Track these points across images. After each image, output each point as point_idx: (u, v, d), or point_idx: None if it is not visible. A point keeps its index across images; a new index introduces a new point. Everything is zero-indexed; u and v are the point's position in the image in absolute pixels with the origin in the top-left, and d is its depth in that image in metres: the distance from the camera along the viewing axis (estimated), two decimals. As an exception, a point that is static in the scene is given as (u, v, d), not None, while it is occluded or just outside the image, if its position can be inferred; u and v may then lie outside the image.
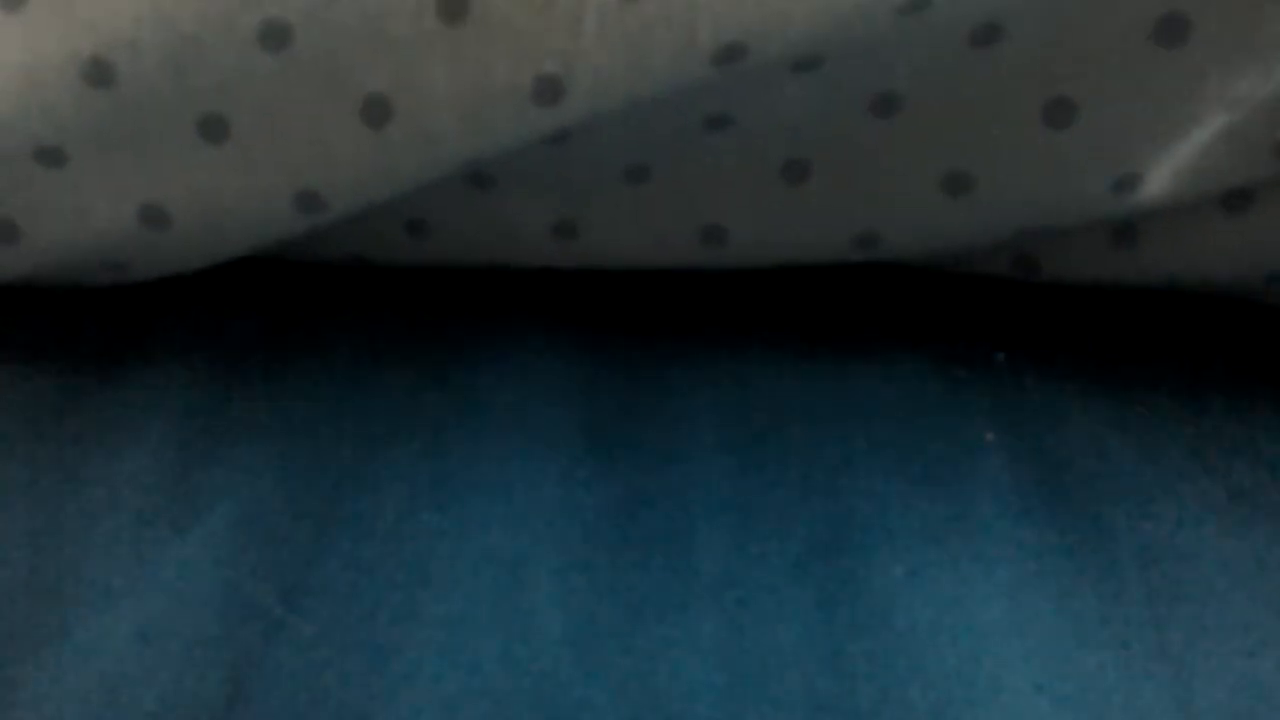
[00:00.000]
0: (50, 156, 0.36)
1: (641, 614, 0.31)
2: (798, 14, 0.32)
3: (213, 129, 0.35)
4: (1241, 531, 0.33)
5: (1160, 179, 0.36)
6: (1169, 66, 0.34)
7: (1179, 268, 0.38)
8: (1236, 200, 0.37)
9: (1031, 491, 0.34)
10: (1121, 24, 0.34)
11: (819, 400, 0.37)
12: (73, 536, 0.33)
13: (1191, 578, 0.32)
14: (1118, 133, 0.35)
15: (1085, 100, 0.35)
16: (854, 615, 0.31)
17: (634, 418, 0.37)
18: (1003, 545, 0.33)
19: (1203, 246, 0.38)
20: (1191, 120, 0.35)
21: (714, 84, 0.34)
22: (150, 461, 0.35)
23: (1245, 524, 0.33)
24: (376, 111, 0.34)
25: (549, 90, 0.33)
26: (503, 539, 0.33)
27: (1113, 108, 0.35)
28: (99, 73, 0.34)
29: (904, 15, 0.33)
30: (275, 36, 0.33)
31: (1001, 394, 0.37)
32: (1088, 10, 0.34)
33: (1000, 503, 0.34)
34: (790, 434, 0.36)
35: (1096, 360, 0.39)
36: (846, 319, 0.40)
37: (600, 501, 0.34)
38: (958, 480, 0.34)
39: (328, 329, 0.40)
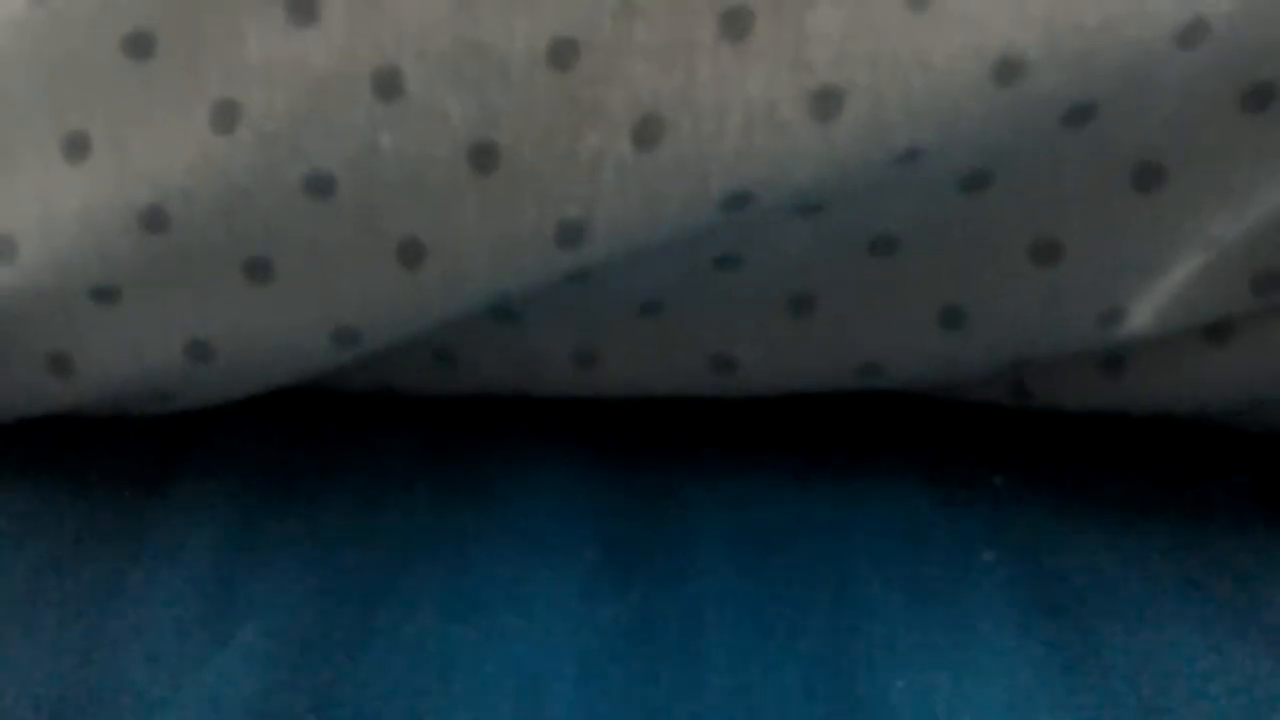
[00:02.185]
0: (105, 295, 0.38)
1: (656, 725, 0.32)
2: (801, 164, 0.34)
3: (258, 270, 0.37)
4: (1229, 646, 0.33)
5: (1143, 313, 0.37)
6: (1147, 210, 0.36)
7: (1166, 395, 0.40)
8: (1218, 332, 0.38)
9: (1028, 608, 0.35)
10: (1102, 170, 0.36)
11: (824, 520, 0.38)
12: (116, 648, 0.34)
13: (1181, 691, 0.32)
14: (1101, 270, 0.37)
15: (1070, 240, 0.37)
16: (859, 726, 0.32)
17: (648, 536, 0.37)
18: (1000, 659, 0.33)
19: (1188, 376, 0.39)
20: (1171, 259, 0.37)
21: (723, 227, 0.36)
22: (189, 577, 0.36)
23: (1233, 639, 0.34)
24: (412, 253, 0.36)
25: (571, 234, 0.35)
26: (524, 651, 0.33)
27: (1096, 247, 0.37)
28: (154, 219, 0.36)
29: (898, 164, 0.35)
30: (319, 186, 0.36)
31: (999, 515, 0.38)
32: (1070, 158, 0.36)
33: (998, 619, 0.34)
34: (797, 553, 0.37)
35: (1091, 483, 0.40)
36: (850, 443, 0.41)
37: (616, 615, 0.35)
38: (957, 597, 0.35)
39: (357, 451, 0.41)
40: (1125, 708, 0.32)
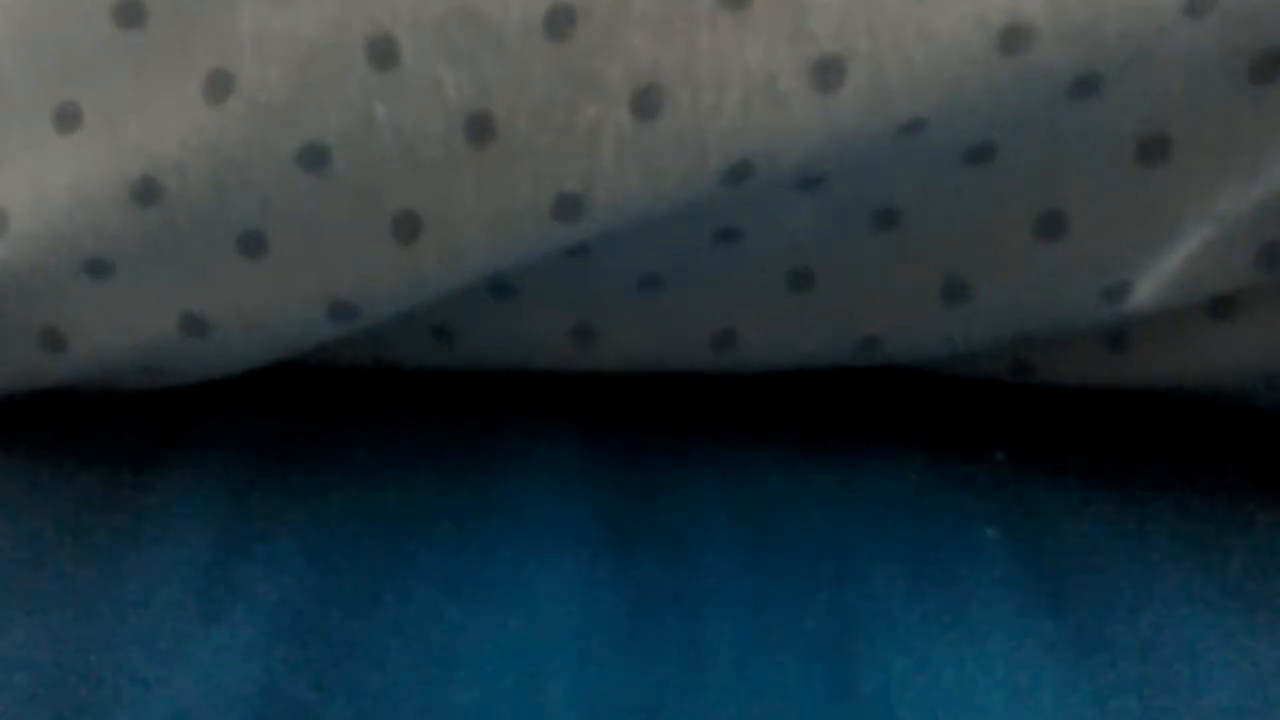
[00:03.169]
0: (98, 269, 0.38)
1: (656, 707, 0.32)
2: (801, 136, 0.34)
3: (252, 244, 0.37)
4: (1233, 624, 0.34)
5: (1148, 287, 0.37)
6: (1152, 183, 0.36)
7: (1170, 372, 0.40)
8: (1222, 307, 0.38)
9: (1031, 586, 0.35)
10: (1107, 143, 0.36)
11: (826, 498, 0.38)
12: (111, 628, 0.34)
13: (1185, 669, 0.32)
14: (1106, 244, 0.37)
15: (1074, 214, 0.37)
16: (861, 707, 0.32)
17: (648, 514, 0.38)
18: (1003, 638, 0.33)
19: (1192, 351, 0.39)
20: (1175, 232, 0.36)
21: (723, 200, 0.36)
22: (185, 556, 0.36)
23: (1237, 617, 0.34)
24: (407, 227, 0.36)
25: (569, 207, 0.35)
26: (523, 632, 0.34)
27: (1100, 221, 0.37)
28: (147, 191, 0.36)
29: (900, 136, 0.34)
30: (314, 158, 0.35)
31: (1002, 492, 0.38)
32: (1075, 130, 0.35)
33: (1000, 597, 0.35)
34: (798, 531, 0.37)
35: (1094, 459, 0.40)
36: (852, 420, 0.41)
37: (616, 595, 0.35)
38: (959, 575, 0.35)
39: (354, 429, 0.41)
40: (1128, 686, 0.32)
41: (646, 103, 0.34)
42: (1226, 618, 0.34)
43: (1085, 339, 0.40)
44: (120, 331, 0.39)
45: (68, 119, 0.37)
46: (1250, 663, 0.33)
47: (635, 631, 0.34)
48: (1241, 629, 0.34)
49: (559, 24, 0.34)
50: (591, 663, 0.33)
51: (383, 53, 0.34)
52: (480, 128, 0.35)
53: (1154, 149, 0.36)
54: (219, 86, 0.35)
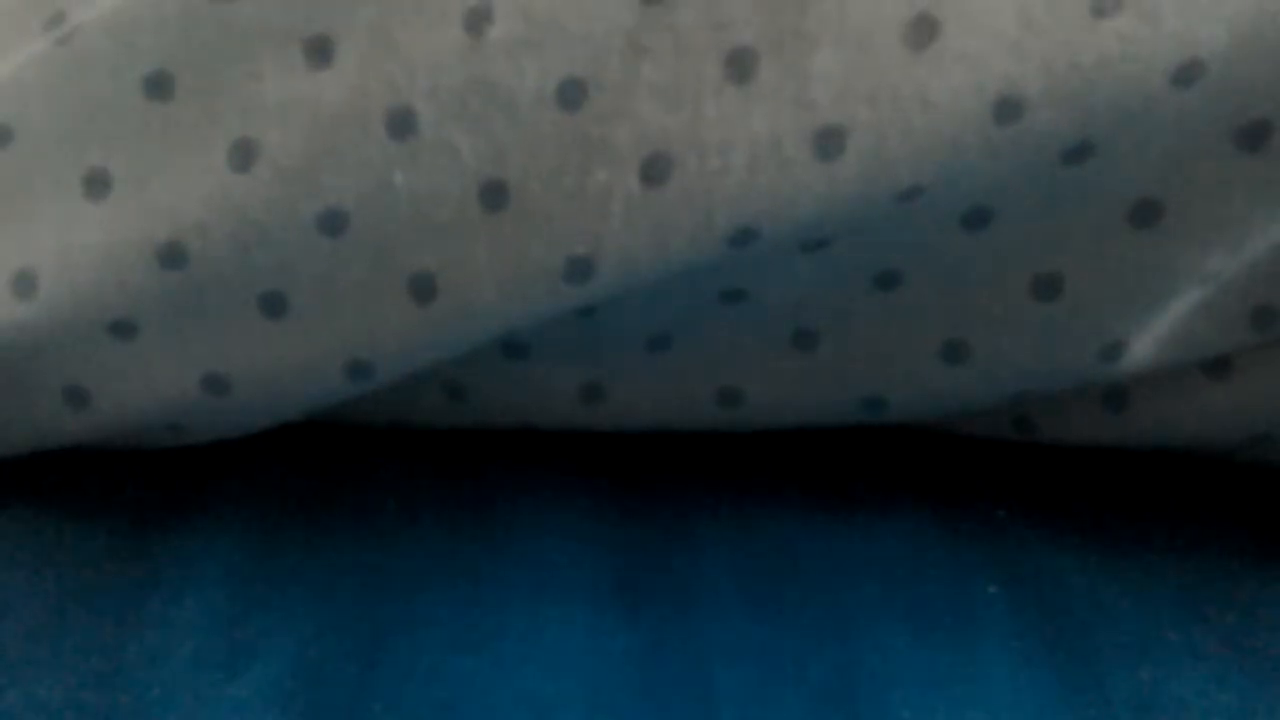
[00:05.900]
0: (123, 329, 0.38)
1: (664, 756, 0.32)
2: (804, 201, 0.35)
3: (273, 305, 0.37)
4: (1231, 678, 0.34)
5: (1143, 347, 0.38)
6: (1145, 245, 0.37)
7: (1168, 430, 0.40)
8: (1217, 367, 0.39)
9: (1032, 641, 0.35)
10: (1100, 207, 0.36)
11: (831, 553, 0.38)
12: (134, 679, 0.34)
13: None
14: (1101, 305, 0.37)
15: (1070, 275, 0.37)
16: (865, 758, 0.32)
17: (657, 568, 0.38)
18: (1004, 692, 0.33)
19: (1189, 410, 0.39)
20: (1168, 293, 0.37)
21: (729, 262, 0.36)
22: (205, 608, 0.36)
23: (1234, 671, 0.34)
24: (423, 288, 0.37)
25: (579, 270, 0.36)
26: (533, 682, 0.34)
27: (1095, 282, 0.37)
28: (172, 254, 0.37)
29: (901, 201, 0.35)
30: (333, 222, 0.36)
31: (1003, 549, 0.38)
32: (1069, 195, 0.36)
33: (1002, 651, 0.35)
34: (803, 585, 0.37)
35: (1094, 516, 0.40)
36: (856, 478, 0.42)
37: (625, 647, 0.35)
38: (962, 630, 0.35)
39: (369, 484, 0.42)
40: (1127, 740, 0.32)
41: (655, 168, 0.35)
42: (1225, 672, 0.34)
43: (1085, 398, 0.40)
44: (143, 389, 0.39)
45: (97, 184, 0.38)
46: (1245, 712, 0.33)
47: (645, 681, 0.34)
48: (1236, 680, 0.34)
49: (571, 94, 0.35)
50: (602, 713, 0.33)
51: (401, 121, 0.35)
52: (494, 193, 0.36)
53: (1146, 213, 0.36)
54: (244, 152, 0.36)
